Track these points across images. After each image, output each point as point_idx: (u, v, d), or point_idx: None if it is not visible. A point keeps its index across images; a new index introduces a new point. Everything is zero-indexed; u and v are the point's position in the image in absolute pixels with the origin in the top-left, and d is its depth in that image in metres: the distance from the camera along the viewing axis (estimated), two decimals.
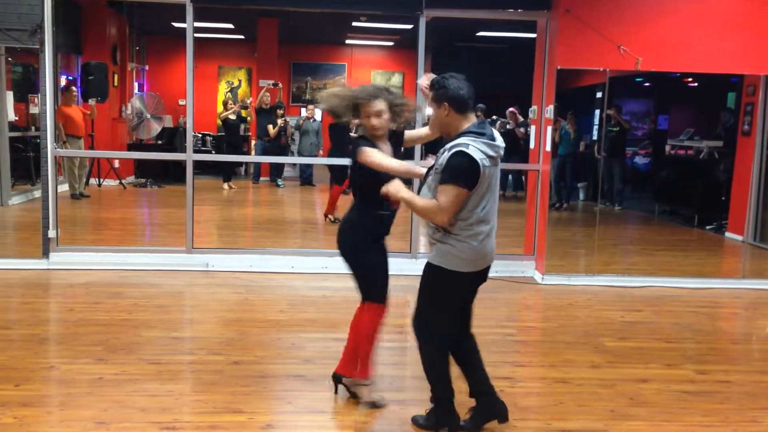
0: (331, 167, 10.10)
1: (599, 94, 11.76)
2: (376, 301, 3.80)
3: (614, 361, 4.76)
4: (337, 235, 3.86)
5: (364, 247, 3.79)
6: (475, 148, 3.23)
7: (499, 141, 3.38)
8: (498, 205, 3.44)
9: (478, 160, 3.21)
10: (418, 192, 3.46)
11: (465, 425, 3.59)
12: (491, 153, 3.28)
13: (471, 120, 3.37)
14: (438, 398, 3.55)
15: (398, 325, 5.58)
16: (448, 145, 3.31)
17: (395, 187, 3.38)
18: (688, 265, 8.01)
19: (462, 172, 3.21)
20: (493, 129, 3.43)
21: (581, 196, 12.36)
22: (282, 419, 3.77)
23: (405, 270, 6.89)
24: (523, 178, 13.02)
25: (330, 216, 9.64)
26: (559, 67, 6.76)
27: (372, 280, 3.81)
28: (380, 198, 3.49)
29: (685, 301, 6.46)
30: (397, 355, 4.91)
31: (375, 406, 3.84)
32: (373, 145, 3.69)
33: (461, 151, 3.22)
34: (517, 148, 12.70)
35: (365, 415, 3.76)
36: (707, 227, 10.09)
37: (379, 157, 3.60)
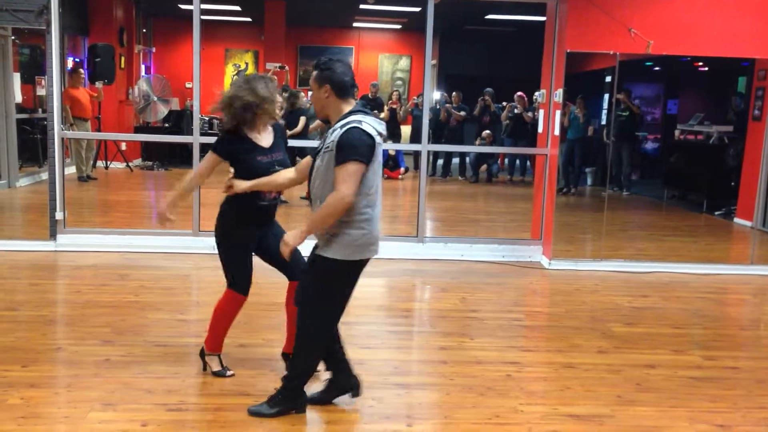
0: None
1: (609, 78, 11.68)
2: (236, 290, 3.95)
3: (621, 347, 4.74)
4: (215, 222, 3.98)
5: (234, 238, 3.94)
6: (367, 124, 3.25)
7: (382, 120, 3.42)
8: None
9: (374, 135, 3.24)
10: (309, 180, 3.43)
11: (317, 397, 3.64)
12: (381, 130, 3.32)
13: (351, 104, 3.38)
14: (294, 383, 3.52)
15: (404, 309, 5.58)
16: (337, 124, 3.29)
17: (289, 238, 3.39)
18: (696, 251, 7.97)
19: (360, 146, 3.20)
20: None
21: (589, 181, 12.31)
22: None
23: (411, 254, 6.90)
24: (528, 162, 12.97)
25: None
26: (568, 51, 6.70)
27: (233, 271, 3.98)
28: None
29: (693, 286, 6.43)
30: (403, 339, 4.90)
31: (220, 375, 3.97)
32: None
33: (355, 127, 3.22)
34: (525, 132, 12.66)
35: (376, 400, 3.76)
36: (716, 213, 10.04)
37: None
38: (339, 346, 3.67)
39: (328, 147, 3.27)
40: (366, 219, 3.32)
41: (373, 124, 3.28)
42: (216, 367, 4.01)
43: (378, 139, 3.29)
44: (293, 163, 3.93)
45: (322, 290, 3.42)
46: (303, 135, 9.86)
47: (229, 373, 4.00)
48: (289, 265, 3.81)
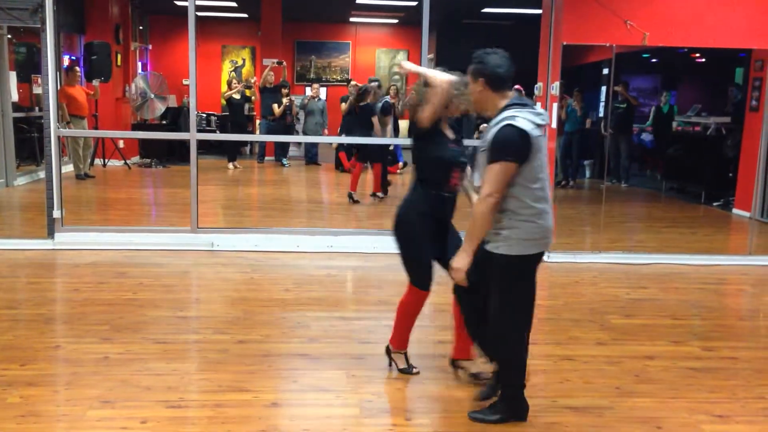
0: (358, 146, 10.23)
1: (606, 71, 11.68)
2: (418, 287, 3.87)
3: (620, 339, 4.75)
4: (395, 215, 3.87)
5: (412, 227, 3.81)
6: (522, 118, 3.16)
7: (543, 110, 3.32)
8: None
9: (528, 131, 3.15)
10: (419, 160, 3.43)
11: (483, 394, 3.60)
12: (539, 121, 3.22)
13: (508, 98, 3.29)
14: (510, 387, 3.46)
15: None
16: (493, 121, 3.24)
17: (457, 262, 3.36)
18: (694, 242, 7.97)
19: (511, 146, 3.14)
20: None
21: (587, 173, 12.30)
22: (287, 398, 3.77)
23: None
24: None
25: (353, 192, 9.75)
26: (564, 43, 6.68)
27: (411, 266, 3.88)
28: (440, 180, 3.54)
29: (692, 278, 6.43)
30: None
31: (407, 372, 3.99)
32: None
33: (509, 124, 3.15)
34: None
35: (376, 395, 3.76)
36: (714, 204, 10.04)
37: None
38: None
39: (484, 147, 3.24)
40: (534, 213, 3.26)
41: (529, 118, 3.18)
42: (402, 365, 4.01)
43: (535, 132, 3.18)
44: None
45: (499, 289, 3.37)
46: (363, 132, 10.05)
47: (414, 370, 4.00)
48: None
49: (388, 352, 4.07)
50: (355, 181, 9.76)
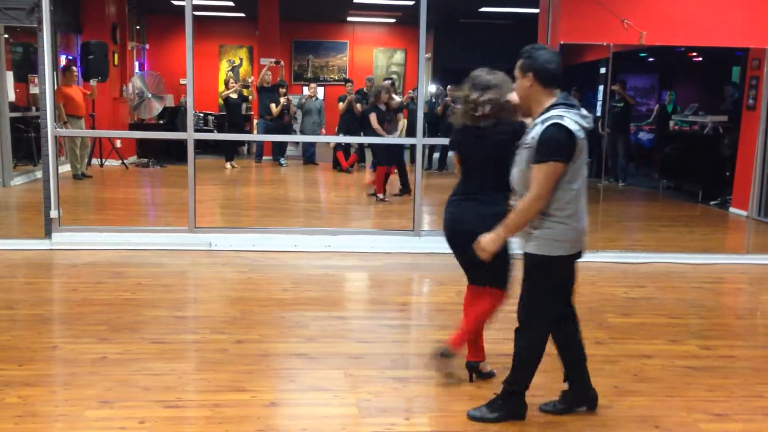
0: (373, 148, 10.29)
1: (603, 70, 11.69)
2: (507, 289, 3.85)
3: (618, 338, 4.75)
4: (472, 223, 3.66)
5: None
6: (569, 119, 3.14)
7: (588, 113, 3.29)
8: None
9: (574, 132, 3.13)
10: (506, 170, 3.36)
11: (550, 408, 3.58)
12: (585, 124, 3.20)
13: (555, 96, 3.25)
14: (514, 387, 3.44)
15: (400, 303, 5.58)
16: (539, 119, 3.20)
17: (488, 243, 3.35)
18: (692, 241, 7.98)
19: (559, 146, 3.11)
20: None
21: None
22: (285, 397, 3.77)
23: (407, 248, 6.90)
24: None
25: (380, 195, 9.77)
26: (562, 42, 6.69)
27: (508, 269, 3.85)
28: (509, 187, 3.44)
29: (690, 277, 6.44)
30: (400, 332, 4.90)
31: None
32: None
33: (557, 124, 3.12)
34: None
35: (374, 394, 3.76)
36: (711, 203, 10.06)
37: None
38: (583, 357, 3.59)
39: (528, 144, 3.20)
40: (569, 214, 3.24)
41: (575, 119, 3.16)
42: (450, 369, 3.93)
43: (581, 134, 3.16)
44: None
45: (533, 289, 3.35)
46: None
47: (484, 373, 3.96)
48: (474, 268, 3.76)
49: (443, 355, 3.80)
50: (380, 184, 9.79)
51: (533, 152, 3.16)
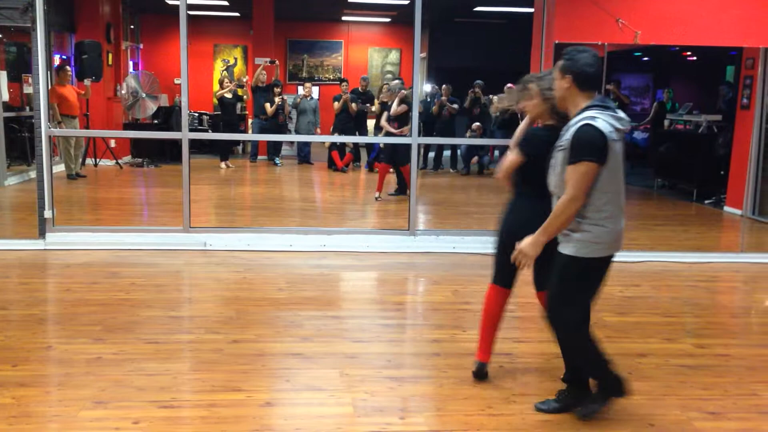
0: (381, 146, 10.26)
1: None
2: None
3: (613, 336, 4.75)
4: (518, 225, 3.64)
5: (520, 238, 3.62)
6: (602, 120, 3.14)
7: (624, 115, 3.29)
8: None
9: (606, 133, 3.13)
10: (545, 175, 3.36)
11: (547, 407, 3.60)
12: (619, 126, 3.20)
13: (591, 99, 3.26)
14: (600, 371, 3.46)
15: (396, 302, 5.58)
16: (572, 121, 3.22)
17: (528, 248, 3.33)
18: (686, 240, 8.00)
19: (592, 146, 3.12)
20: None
21: None
22: (280, 397, 3.77)
23: (403, 247, 6.90)
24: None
25: (377, 194, 9.77)
26: (557, 42, 6.69)
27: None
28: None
29: (684, 275, 6.45)
30: (396, 332, 4.90)
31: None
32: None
33: (589, 124, 3.13)
34: (515, 124, 12.65)
35: (369, 394, 3.76)
36: (706, 201, 10.08)
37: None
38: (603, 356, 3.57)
39: (562, 145, 3.21)
40: (606, 216, 3.25)
41: (608, 120, 3.16)
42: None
43: (614, 135, 3.16)
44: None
45: (565, 288, 3.36)
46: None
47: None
48: (540, 275, 3.76)
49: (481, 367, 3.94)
50: (380, 183, 9.80)
51: (567, 154, 3.18)
